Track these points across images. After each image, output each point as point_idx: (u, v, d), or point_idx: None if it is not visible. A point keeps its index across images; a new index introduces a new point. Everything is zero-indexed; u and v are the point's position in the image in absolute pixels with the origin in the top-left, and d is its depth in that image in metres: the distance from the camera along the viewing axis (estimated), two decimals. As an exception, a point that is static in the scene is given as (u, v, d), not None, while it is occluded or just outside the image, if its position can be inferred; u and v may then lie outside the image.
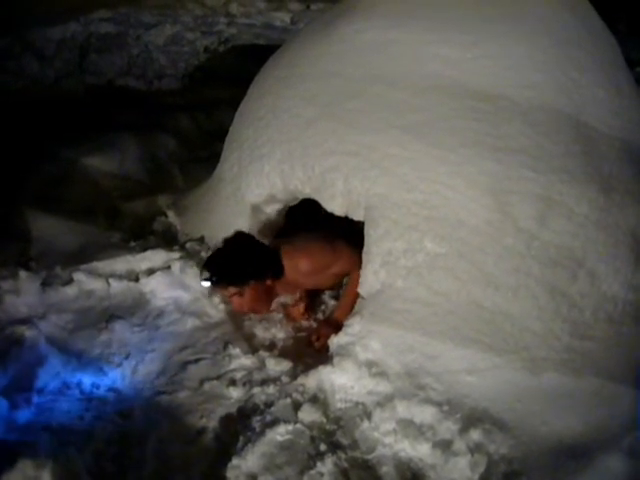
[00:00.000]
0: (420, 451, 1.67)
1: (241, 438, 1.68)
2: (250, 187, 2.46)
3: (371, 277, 2.01)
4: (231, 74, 5.33)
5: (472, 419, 1.73)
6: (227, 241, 2.21)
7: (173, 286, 2.29)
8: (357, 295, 2.14)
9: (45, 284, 2.28)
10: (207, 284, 2.12)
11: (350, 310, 2.14)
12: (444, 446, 1.66)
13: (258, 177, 2.41)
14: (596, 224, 1.98)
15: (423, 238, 1.97)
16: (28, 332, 2.01)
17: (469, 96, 2.09)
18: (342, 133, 2.15)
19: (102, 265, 2.43)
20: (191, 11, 6.88)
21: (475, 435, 1.68)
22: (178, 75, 5.74)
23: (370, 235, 2.04)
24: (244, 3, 6.98)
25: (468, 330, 1.89)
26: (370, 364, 1.88)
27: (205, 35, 6.47)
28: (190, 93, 5.11)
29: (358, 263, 2.12)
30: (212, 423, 1.75)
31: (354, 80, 2.22)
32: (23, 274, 2.28)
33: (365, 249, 2.05)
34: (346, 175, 2.11)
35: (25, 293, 2.22)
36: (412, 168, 2.02)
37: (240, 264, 2.12)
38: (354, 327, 1.95)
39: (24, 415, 1.73)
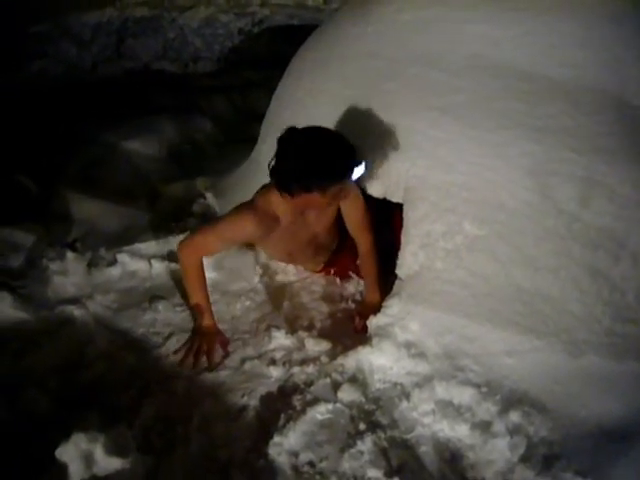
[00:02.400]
0: (459, 432, 1.68)
1: (282, 416, 1.71)
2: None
3: (410, 259, 2.01)
4: (266, 55, 5.33)
5: (511, 401, 1.73)
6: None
7: (212, 267, 2.32)
8: (379, 269, 2.19)
9: (91, 265, 2.35)
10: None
11: (379, 287, 2.17)
12: (483, 427, 1.67)
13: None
14: (639, 205, 1.94)
15: (462, 220, 1.95)
16: (77, 311, 2.08)
17: (509, 76, 2.05)
18: (380, 114, 2.14)
19: (144, 247, 2.48)
20: (225, -8, 6.88)
21: (514, 417, 1.68)
22: (213, 57, 5.77)
23: (409, 217, 2.03)
24: (277, -17, 6.94)
25: (507, 312, 1.88)
26: (409, 345, 1.89)
27: (239, 17, 6.45)
28: (225, 75, 5.14)
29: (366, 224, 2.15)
30: (253, 401, 1.79)
31: (393, 61, 2.20)
32: (70, 255, 2.35)
33: (404, 231, 2.04)
34: (385, 157, 2.10)
35: (72, 274, 2.29)
36: (451, 150, 2.01)
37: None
38: (393, 308, 1.96)
39: (75, 391, 1.79)
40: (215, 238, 2.05)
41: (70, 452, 1.44)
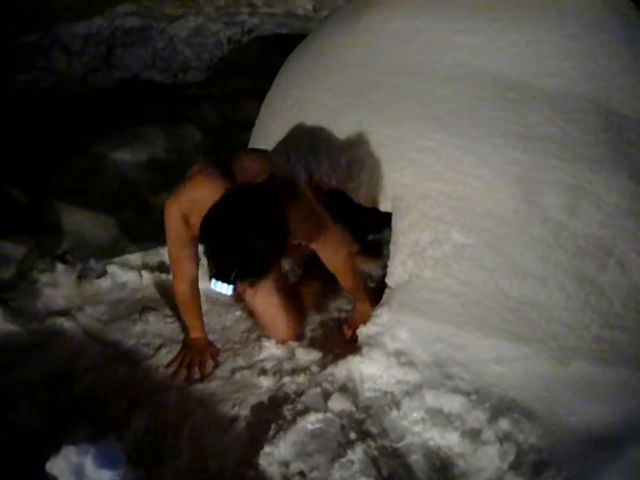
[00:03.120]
0: (449, 440, 1.68)
1: (273, 426, 1.71)
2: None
3: (399, 268, 2.02)
4: (255, 65, 5.34)
5: (501, 408, 1.73)
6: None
7: (203, 278, 2.32)
8: (361, 280, 2.13)
9: (81, 277, 2.35)
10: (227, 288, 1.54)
11: (367, 296, 2.11)
12: (473, 435, 1.67)
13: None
14: (626, 213, 1.96)
15: (450, 229, 1.97)
16: (67, 323, 2.08)
17: (496, 85, 2.08)
18: (368, 124, 2.15)
19: (134, 257, 2.48)
20: (214, 1, 6.91)
21: (504, 424, 1.68)
22: (202, 67, 5.76)
23: (397, 226, 2.05)
24: (265, -9, 7.00)
25: (496, 320, 1.90)
26: (398, 354, 1.90)
27: (228, 26, 6.48)
28: (215, 85, 5.13)
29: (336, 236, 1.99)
30: (244, 412, 1.79)
31: (380, 71, 2.22)
32: (60, 267, 2.35)
33: (392, 240, 2.06)
34: (372, 166, 2.11)
35: (62, 285, 2.28)
36: (438, 159, 2.02)
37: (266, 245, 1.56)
38: (382, 317, 1.97)
39: (65, 404, 1.78)
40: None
41: (60, 465, 1.42)
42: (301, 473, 1.58)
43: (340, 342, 2.10)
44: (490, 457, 1.62)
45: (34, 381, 1.85)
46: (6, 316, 2.06)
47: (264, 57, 5.54)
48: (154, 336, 2.11)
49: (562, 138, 1.99)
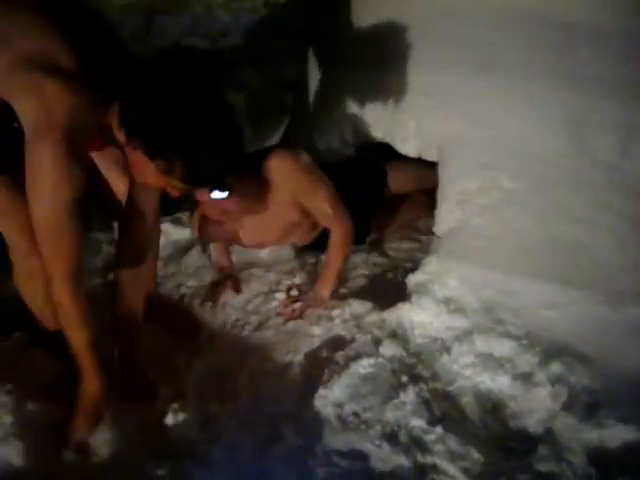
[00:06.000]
0: (500, 383, 1.69)
1: (326, 371, 1.75)
2: (321, 136, 2.50)
3: (446, 216, 2.02)
4: (294, 26, 5.29)
5: (552, 352, 1.73)
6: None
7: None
8: (343, 266, 2.05)
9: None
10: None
11: (335, 284, 2.03)
12: (524, 378, 1.68)
13: (328, 124, 2.44)
14: (681, 152, 1.90)
15: (498, 175, 1.95)
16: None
17: (543, 25, 2.01)
18: (412, 73, 2.14)
19: (185, 216, 2.56)
20: (249, -36, 6.82)
21: (555, 367, 1.69)
22: (241, 31, 5.75)
23: (444, 175, 2.04)
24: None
25: (546, 265, 1.88)
26: (448, 301, 1.91)
27: (265, -12, 6.40)
28: (254, 48, 5.12)
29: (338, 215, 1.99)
30: (298, 358, 1.84)
31: (422, 16, 2.19)
32: (116, 225, 2.44)
33: (439, 189, 2.05)
34: (418, 115, 2.10)
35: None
36: (484, 104, 2.00)
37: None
38: (431, 265, 1.98)
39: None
40: None
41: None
42: (355, 414, 1.62)
43: (390, 290, 2.12)
44: (542, 398, 1.63)
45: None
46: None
47: (302, 18, 5.48)
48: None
49: (613, 78, 1.93)
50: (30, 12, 1.28)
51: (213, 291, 2.14)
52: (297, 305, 2.03)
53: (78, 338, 1.40)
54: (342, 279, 2.13)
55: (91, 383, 1.44)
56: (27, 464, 1.37)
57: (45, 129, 1.21)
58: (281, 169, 1.95)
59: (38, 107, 1.22)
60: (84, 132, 1.29)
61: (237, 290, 2.16)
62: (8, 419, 1.44)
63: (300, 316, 2.00)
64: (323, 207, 2.01)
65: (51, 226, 1.27)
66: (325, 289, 2.05)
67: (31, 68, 1.23)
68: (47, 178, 1.24)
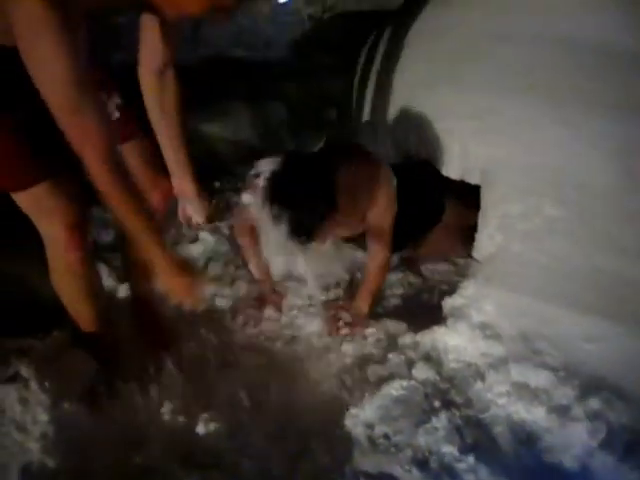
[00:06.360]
0: (535, 414, 1.66)
1: (358, 390, 1.75)
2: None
3: (486, 241, 2.00)
4: (337, 41, 5.33)
5: (590, 386, 1.69)
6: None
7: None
8: (380, 285, 2.07)
9: (174, 242, 2.46)
10: None
11: (372, 300, 2.05)
12: (560, 411, 1.64)
13: (372, 142, 2.44)
14: None
15: (541, 201, 1.93)
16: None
17: (593, 52, 1.99)
18: (460, 95, 2.13)
19: (223, 225, 2.59)
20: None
21: (594, 402, 1.64)
22: (285, 44, 5.83)
23: (486, 199, 2.03)
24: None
25: (587, 296, 1.84)
26: (484, 326, 1.88)
27: (309, 3, 6.49)
28: (297, 61, 5.18)
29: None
30: (329, 375, 1.84)
31: (475, 39, 2.19)
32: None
33: (481, 212, 2.04)
34: (463, 138, 2.09)
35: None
36: (532, 130, 1.98)
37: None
38: (468, 290, 1.96)
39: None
40: None
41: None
42: (385, 436, 1.60)
43: (425, 312, 2.10)
44: (579, 434, 1.59)
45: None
46: (110, 273, 2.22)
47: (345, 33, 5.52)
48: (243, 300, 2.21)
49: (662, 108, 1.90)
50: None
51: (256, 309, 2.15)
52: (342, 323, 2.05)
53: (135, 222, 1.29)
54: (379, 298, 2.13)
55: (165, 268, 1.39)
56: (61, 463, 1.40)
57: None
58: (383, 187, 1.91)
59: None
60: None
61: (279, 309, 2.16)
62: (44, 417, 1.48)
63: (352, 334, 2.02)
64: (384, 227, 1.98)
65: (69, 107, 1.15)
66: (364, 306, 2.06)
67: None
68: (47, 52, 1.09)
